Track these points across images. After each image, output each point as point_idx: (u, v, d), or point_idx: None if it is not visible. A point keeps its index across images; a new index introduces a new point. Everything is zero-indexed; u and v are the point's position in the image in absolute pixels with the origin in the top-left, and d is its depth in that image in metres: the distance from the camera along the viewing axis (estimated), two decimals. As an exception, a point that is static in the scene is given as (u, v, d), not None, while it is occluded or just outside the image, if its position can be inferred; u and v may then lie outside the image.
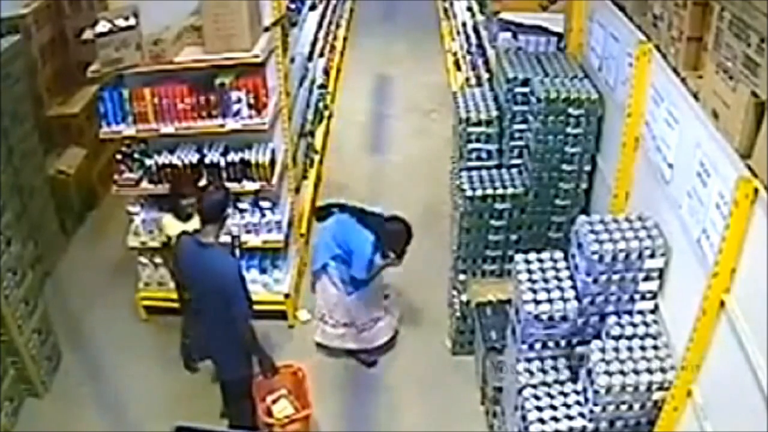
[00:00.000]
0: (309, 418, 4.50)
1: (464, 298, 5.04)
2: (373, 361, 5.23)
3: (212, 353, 4.24)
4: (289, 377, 4.62)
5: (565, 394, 3.59)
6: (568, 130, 4.52)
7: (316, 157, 7.28)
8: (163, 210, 4.97)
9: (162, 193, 5.04)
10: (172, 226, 4.69)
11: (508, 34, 5.50)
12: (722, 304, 2.76)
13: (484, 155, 5.05)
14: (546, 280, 3.70)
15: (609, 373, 3.30)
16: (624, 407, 3.36)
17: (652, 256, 3.41)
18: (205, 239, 3.87)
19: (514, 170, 4.97)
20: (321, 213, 5.28)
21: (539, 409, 3.54)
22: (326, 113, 8.18)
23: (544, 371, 3.71)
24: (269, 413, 4.50)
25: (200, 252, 3.88)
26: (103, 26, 4.43)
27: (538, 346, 3.70)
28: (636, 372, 3.30)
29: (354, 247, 4.81)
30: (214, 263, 3.86)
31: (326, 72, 8.55)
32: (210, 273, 3.85)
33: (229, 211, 4.04)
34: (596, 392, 3.32)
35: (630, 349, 3.40)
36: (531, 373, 3.70)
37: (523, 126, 4.82)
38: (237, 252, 4.66)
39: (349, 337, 5.10)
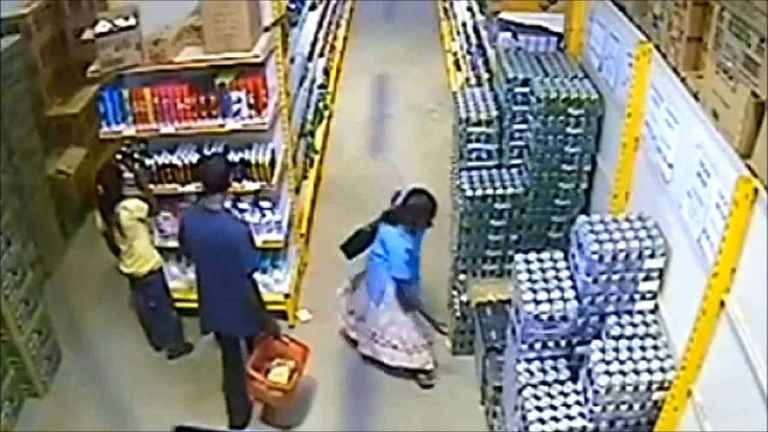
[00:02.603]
0: (290, 392, 4.54)
1: (464, 298, 5.04)
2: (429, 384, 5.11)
3: (224, 317, 4.39)
4: (300, 354, 4.69)
5: (565, 394, 3.59)
6: (568, 130, 4.52)
7: (316, 157, 7.28)
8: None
9: (162, 192, 5.04)
10: (137, 203, 4.78)
11: (508, 34, 5.50)
12: (722, 304, 2.76)
13: (484, 155, 5.05)
14: (546, 280, 3.70)
15: (609, 373, 3.30)
16: (624, 407, 3.36)
17: (652, 256, 3.41)
18: (213, 207, 4.16)
19: (514, 170, 4.97)
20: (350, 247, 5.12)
21: (539, 409, 3.54)
22: (326, 113, 8.18)
23: (544, 371, 3.72)
24: (265, 371, 4.61)
25: (209, 219, 4.17)
26: (103, 26, 4.43)
27: (538, 346, 3.70)
28: (636, 372, 3.30)
29: (390, 246, 4.68)
30: (225, 227, 4.17)
31: (326, 72, 8.55)
32: (221, 237, 4.13)
33: (231, 179, 4.33)
34: (596, 392, 3.32)
35: (630, 349, 3.40)
36: (531, 373, 3.70)
37: (523, 126, 4.82)
38: None
39: (402, 359, 4.99)
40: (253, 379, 4.51)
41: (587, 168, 4.67)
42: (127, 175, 4.91)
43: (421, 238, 4.83)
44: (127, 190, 4.84)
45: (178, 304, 5.23)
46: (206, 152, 4.97)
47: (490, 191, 4.80)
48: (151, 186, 5.00)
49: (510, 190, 4.79)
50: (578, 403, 3.53)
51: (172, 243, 5.19)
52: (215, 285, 4.32)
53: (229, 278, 4.21)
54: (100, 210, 4.85)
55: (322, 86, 8.10)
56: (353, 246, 5.09)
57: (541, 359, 3.75)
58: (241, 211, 5.15)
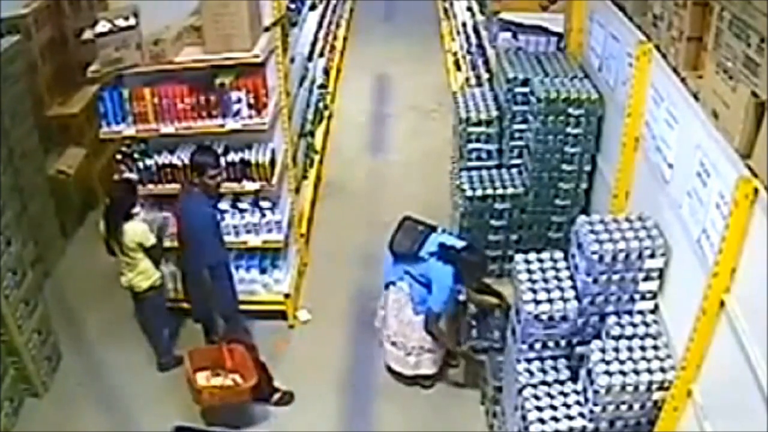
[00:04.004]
0: (200, 394, 4.46)
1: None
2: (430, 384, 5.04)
3: (187, 291, 4.73)
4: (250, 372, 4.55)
5: (565, 394, 3.60)
6: (568, 130, 4.52)
7: (316, 157, 7.28)
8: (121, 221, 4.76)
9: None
10: (145, 229, 4.74)
11: (508, 34, 5.51)
12: (722, 304, 2.76)
13: (484, 155, 5.05)
14: (546, 280, 3.70)
15: (609, 373, 3.30)
16: (624, 407, 3.36)
17: (652, 256, 3.41)
18: (190, 188, 4.46)
19: (514, 170, 4.97)
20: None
21: (539, 409, 3.54)
22: (326, 113, 8.18)
23: (544, 371, 3.72)
24: (215, 373, 4.57)
25: (186, 197, 4.48)
26: (103, 26, 4.43)
27: (538, 346, 3.70)
28: (636, 372, 3.30)
29: (435, 279, 4.56)
30: (191, 207, 4.42)
31: (326, 72, 8.55)
32: (187, 215, 4.44)
33: (211, 172, 4.40)
34: (596, 392, 3.32)
35: (630, 349, 3.40)
36: (531, 373, 3.70)
37: (523, 126, 4.82)
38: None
39: (397, 359, 4.92)
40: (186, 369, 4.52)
41: (587, 168, 4.67)
42: (131, 176, 4.92)
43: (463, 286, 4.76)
44: (144, 210, 4.87)
45: (179, 305, 5.21)
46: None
47: (490, 191, 4.80)
48: (151, 186, 5.01)
49: (510, 190, 4.80)
50: (578, 403, 3.53)
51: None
52: (183, 259, 4.68)
53: (187, 256, 4.52)
54: (105, 219, 4.81)
55: (322, 86, 8.09)
56: (401, 247, 4.78)
57: (541, 359, 3.75)
58: (241, 211, 5.15)
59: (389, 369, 5.04)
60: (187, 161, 4.92)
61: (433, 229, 4.78)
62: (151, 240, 4.75)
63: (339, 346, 5.40)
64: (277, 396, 4.84)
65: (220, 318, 4.45)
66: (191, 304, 4.73)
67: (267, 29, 4.92)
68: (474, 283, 4.73)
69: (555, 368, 3.73)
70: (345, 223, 6.72)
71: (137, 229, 4.72)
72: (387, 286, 4.82)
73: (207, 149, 4.57)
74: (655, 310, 3.56)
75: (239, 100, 4.77)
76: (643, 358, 3.35)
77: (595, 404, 3.36)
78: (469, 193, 4.79)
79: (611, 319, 3.53)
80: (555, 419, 3.48)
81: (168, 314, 5.19)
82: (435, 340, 4.71)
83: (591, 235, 3.47)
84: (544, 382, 3.67)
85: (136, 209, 4.89)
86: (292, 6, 6.33)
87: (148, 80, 4.74)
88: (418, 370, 4.90)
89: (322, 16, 8.65)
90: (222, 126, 4.83)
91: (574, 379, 3.66)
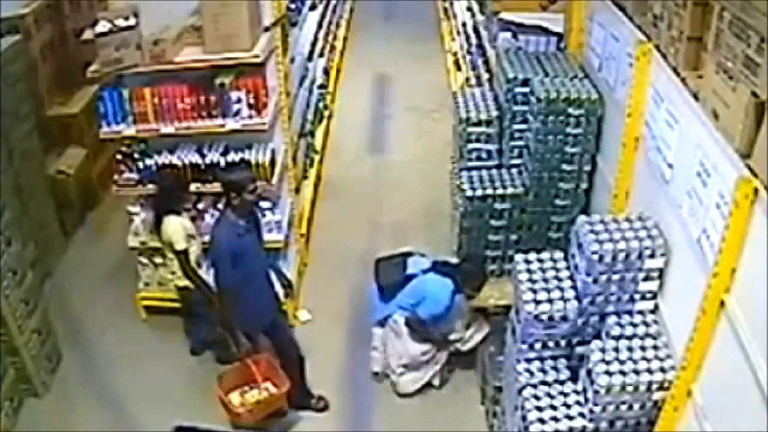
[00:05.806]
0: (241, 416, 4.43)
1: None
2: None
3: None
4: (282, 384, 4.53)
5: (565, 394, 3.59)
6: (568, 130, 4.52)
7: (316, 157, 7.28)
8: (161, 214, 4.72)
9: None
10: (178, 230, 4.62)
11: (508, 34, 5.50)
12: (722, 304, 2.75)
13: (484, 155, 5.05)
14: (546, 280, 3.70)
15: (609, 373, 3.30)
16: (624, 407, 3.36)
17: (652, 256, 3.41)
18: (225, 212, 4.31)
19: (514, 170, 4.97)
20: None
21: (539, 409, 3.54)
22: (326, 113, 8.18)
23: (544, 371, 3.72)
24: (250, 387, 4.55)
25: (217, 224, 4.35)
26: (103, 26, 4.44)
27: (538, 346, 3.70)
28: (636, 372, 3.30)
29: (430, 293, 4.64)
30: (218, 237, 4.26)
31: (326, 72, 8.55)
32: (212, 242, 4.32)
33: (251, 187, 4.23)
34: (596, 392, 3.32)
35: (630, 349, 3.40)
36: (531, 373, 3.70)
37: (523, 126, 4.82)
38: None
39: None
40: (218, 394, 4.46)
41: (587, 168, 4.67)
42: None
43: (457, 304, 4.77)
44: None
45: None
46: (206, 152, 4.97)
47: (490, 191, 4.79)
48: (151, 186, 5.00)
49: (510, 190, 4.79)
50: (578, 403, 3.53)
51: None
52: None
53: (215, 281, 4.35)
54: (153, 208, 4.81)
55: (322, 86, 8.10)
56: (389, 279, 4.89)
57: (541, 359, 3.75)
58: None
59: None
60: (186, 161, 4.94)
61: (407, 254, 4.94)
62: (180, 244, 4.60)
63: (339, 346, 5.40)
64: (321, 404, 4.88)
65: (242, 335, 4.34)
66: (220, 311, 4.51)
67: (267, 29, 4.93)
68: (473, 291, 4.73)
69: (555, 368, 3.72)
70: (345, 223, 6.72)
71: (170, 226, 4.62)
72: (382, 324, 4.87)
73: (239, 165, 4.52)
74: (655, 310, 3.56)
75: (239, 100, 4.77)
76: (643, 358, 3.35)
77: (595, 404, 3.36)
78: (469, 193, 4.79)
79: (611, 319, 3.52)
80: (555, 419, 3.48)
81: (208, 319, 4.97)
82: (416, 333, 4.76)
83: (591, 235, 3.47)
84: (544, 382, 3.67)
85: (186, 205, 4.89)
86: (292, 6, 6.33)
87: (148, 80, 4.75)
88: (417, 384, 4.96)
89: (322, 16, 8.65)
90: (222, 126, 4.83)
91: (574, 379, 3.66)
